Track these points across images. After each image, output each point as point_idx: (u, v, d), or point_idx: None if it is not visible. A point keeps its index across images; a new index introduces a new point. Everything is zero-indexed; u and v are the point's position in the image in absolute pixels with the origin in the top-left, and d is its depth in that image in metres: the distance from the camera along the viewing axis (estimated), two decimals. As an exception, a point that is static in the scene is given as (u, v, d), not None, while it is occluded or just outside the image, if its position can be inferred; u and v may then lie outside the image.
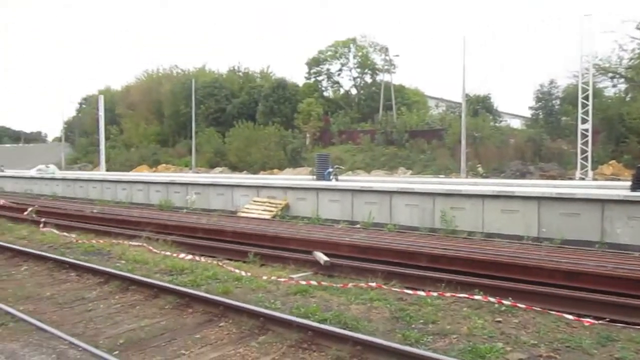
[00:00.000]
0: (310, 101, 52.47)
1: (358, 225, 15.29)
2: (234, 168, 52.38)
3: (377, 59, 57.21)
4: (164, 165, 57.19)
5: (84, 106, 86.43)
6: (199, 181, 22.25)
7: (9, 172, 39.60)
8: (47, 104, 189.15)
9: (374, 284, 7.22)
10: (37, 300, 6.66)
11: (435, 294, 6.76)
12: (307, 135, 51.81)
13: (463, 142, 31.46)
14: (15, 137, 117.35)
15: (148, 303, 6.51)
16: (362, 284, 7.30)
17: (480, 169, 31.97)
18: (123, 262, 8.93)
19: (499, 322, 5.57)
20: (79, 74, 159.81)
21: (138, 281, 7.19)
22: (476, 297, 6.48)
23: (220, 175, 39.16)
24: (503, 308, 6.04)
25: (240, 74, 70.78)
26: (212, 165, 55.04)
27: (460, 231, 13.70)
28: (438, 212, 14.35)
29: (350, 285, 7.28)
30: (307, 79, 60.59)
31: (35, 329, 5.35)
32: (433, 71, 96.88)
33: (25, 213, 16.65)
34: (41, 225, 13.88)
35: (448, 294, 6.71)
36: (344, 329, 5.16)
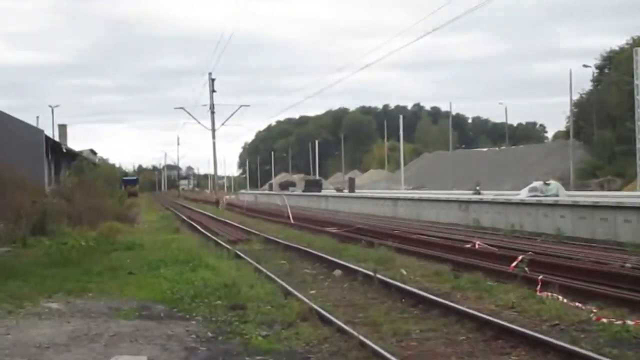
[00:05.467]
0: None
1: None
2: None
3: None
4: None
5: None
6: None
7: (486, 193, 31.01)
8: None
9: None
10: None
11: None
12: None
13: None
14: (499, 133, 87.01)
15: None
16: None
17: None
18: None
19: None
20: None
21: None
22: None
23: None
24: None
25: None
26: None
27: None
28: None
29: None
30: None
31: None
32: None
33: (513, 265, 13.32)
34: (538, 286, 10.22)
35: None
36: None
